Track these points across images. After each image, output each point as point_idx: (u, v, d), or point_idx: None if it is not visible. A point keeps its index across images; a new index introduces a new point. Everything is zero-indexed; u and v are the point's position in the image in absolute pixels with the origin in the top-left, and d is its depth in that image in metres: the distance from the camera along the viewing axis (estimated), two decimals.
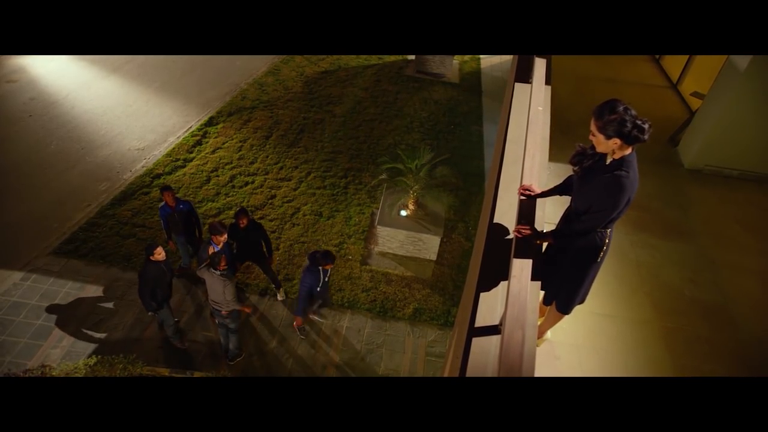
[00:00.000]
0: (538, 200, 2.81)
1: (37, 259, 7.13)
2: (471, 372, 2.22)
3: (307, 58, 13.55)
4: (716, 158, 5.39)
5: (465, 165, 10.07)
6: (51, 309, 6.50)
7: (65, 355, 6.02)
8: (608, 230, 2.48)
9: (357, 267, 7.66)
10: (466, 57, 14.64)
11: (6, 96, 10.45)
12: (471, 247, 7.97)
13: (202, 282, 6.08)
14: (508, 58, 13.97)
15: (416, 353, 6.62)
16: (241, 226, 6.11)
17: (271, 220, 8.24)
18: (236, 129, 10.36)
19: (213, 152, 9.63)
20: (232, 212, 8.29)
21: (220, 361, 6.23)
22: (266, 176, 9.20)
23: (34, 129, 9.61)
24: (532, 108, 3.43)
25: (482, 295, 2.57)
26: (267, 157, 9.68)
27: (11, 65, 11.43)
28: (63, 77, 11.28)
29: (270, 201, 8.66)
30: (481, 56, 14.86)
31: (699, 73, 6.70)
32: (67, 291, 6.76)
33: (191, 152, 9.54)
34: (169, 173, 8.95)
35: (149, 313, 5.93)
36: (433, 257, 7.88)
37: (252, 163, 9.48)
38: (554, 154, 4.05)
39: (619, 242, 4.29)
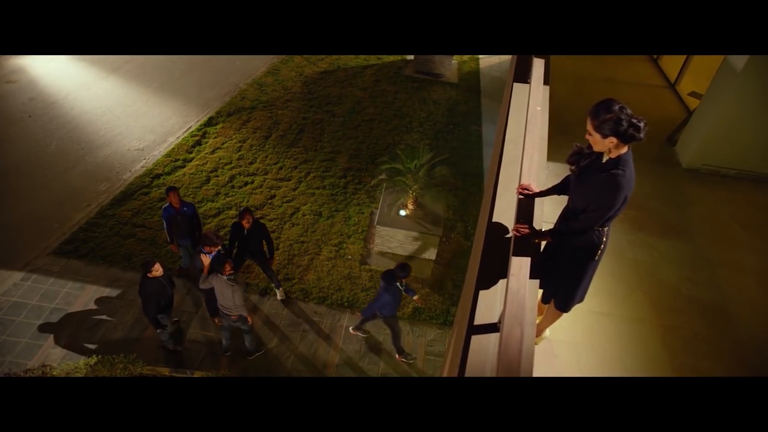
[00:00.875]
0: (537, 200, 2.83)
1: (37, 259, 7.15)
2: (470, 369, 2.24)
3: (307, 58, 13.57)
4: (714, 158, 5.41)
5: (464, 165, 10.10)
6: (51, 309, 6.51)
7: (66, 354, 6.03)
8: (606, 229, 2.50)
9: (356, 266, 7.68)
10: (465, 57, 14.67)
11: (6, 96, 10.46)
12: (470, 247, 7.99)
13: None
14: (506, 58, 13.99)
15: (415, 352, 6.64)
16: (246, 226, 6.10)
17: (270, 220, 8.26)
18: (236, 129, 10.37)
19: (212, 152, 9.65)
20: (232, 212, 8.31)
21: (220, 361, 6.25)
22: (266, 176, 9.22)
23: (33, 129, 9.62)
24: (530, 108, 3.45)
25: (481, 293, 2.59)
26: (266, 157, 9.69)
27: (11, 66, 11.44)
28: (62, 78, 11.29)
29: (269, 201, 8.67)
30: (480, 56, 14.89)
31: (697, 73, 6.73)
32: (67, 291, 6.77)
33: (191, 152, 9.56)
34: (169, 173, 8.96)
35: (157, 331, 5.93)
36: (432, 257, 7.91)
37: (251, 163, 9.50)
38: (553, 154, 4.08)
39: (617, 241, 4.32)
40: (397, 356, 6.48)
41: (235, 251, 6.40)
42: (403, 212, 7.75)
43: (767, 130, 5.11)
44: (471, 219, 8.73)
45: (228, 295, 5.48)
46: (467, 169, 10.00)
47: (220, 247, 5.76)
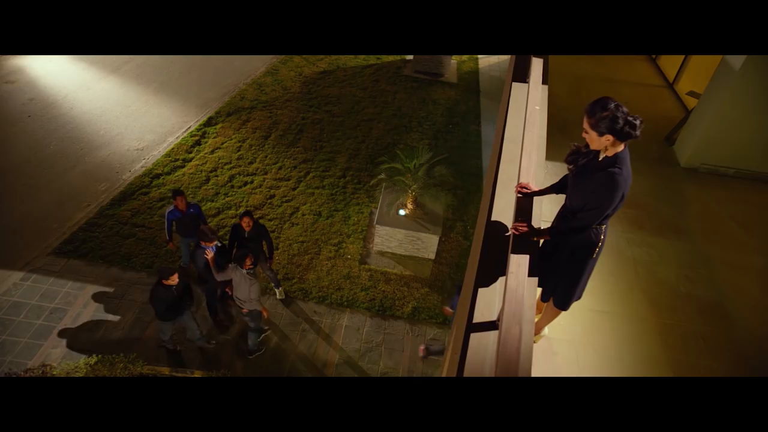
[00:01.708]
0: (535, 198, 2.85)
1: (37, 259, 7.15)
2: (469, 367, 2.26)
3: (306, 58, 13.59)
4: (712, 157, 5.44)
5: (463, 164, 10.12)
6: (51, 309, 6.52)
7: (66, 354, 6.04)
8: (603, 227, 2.52)
9: (356, 266, 7.70)
10: (464, 57, 14.69)
11: (5, 97, 10.46)
12: (469, 246, 8.01)
13: (204, 281, 6.10)
14: (505, 58, 14.02)
15: (415, 351, 6.65)
16: (246, 228, 6.10)
17: (270, 220, 8.27)
18: (235, 129, 10.38)
19: (212, 152, 9.66)
20: (231, 212, 8.32)
21: (219, 361, 6.26)
22: (265, 176, 9.23)
23: (33, 130, 9.62)
24: (529, 107, 3.47)
25: (480, 291, 2.61)
26: (266, 157, 9.70)
27: (10, 66, 11.44)
28: (62, 78, 11.29)
29: (269, 201, 8.69)
30: (479, 56, 14.91)
31: (695, 73, 6.75)
32: (67, 291, 6.78)
33: (190, 152, 9.57)
34: (169, 173, 8.97)
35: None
36: (432, 256, 7.92)
37: (251, 163, 9.51)
38: (552, 153, 4.10)
39: (615, 240, 4.34)
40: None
41: (234, 252, 6.40)
42: (402, 212, 7.77)
43: (765, 129, 5.13)
44: (470, 218, 8.75)
45: (245, 288, 5.57)
46: (466, 169, 10.02)
47: (216, 242, 5.76)
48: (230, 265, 5.60)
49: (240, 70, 12.62)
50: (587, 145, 2.42)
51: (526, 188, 2.80)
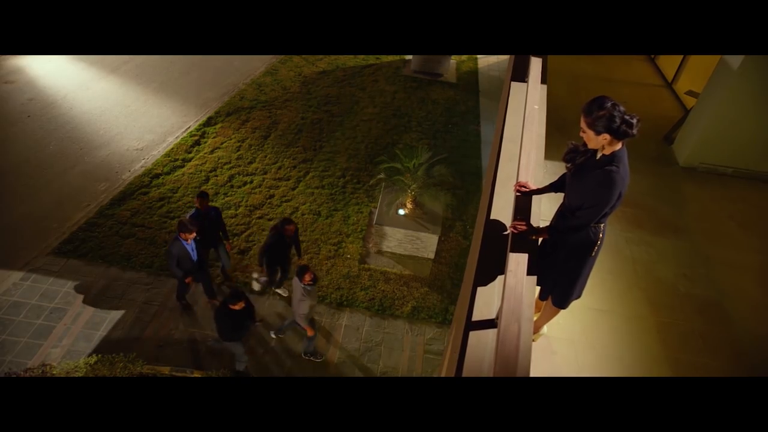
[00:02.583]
0: (534, 197, 2.86)
1: (37, 259, 7.16)
2: (468, 365, 2.26)
3: (305, 58, 13.59)
4: (710, 156, 5.44)
5: (463, 164, 10.13)
6: (51, 309, 6.52)
7: (66, 354, 6.04)
8: (602, 225, 2.53)
9: (355, 266, 7.70)
10: (464, 57, 14.70)
11: (4, 97, 10.46)
12: (469, 246, 8.01)
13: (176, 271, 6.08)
14: (505, 57, 14.03)
15: (414, 351, 6.66)
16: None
17: (269, 220, 8.28)
18: (234, 129, 10.39)
19: (211, 152, 9.66)
20: (231, 212, 8.33)
21: (219, 361, 6.26)
22: (264, 176, 9.24)
23: (32, 130, 9.63)
24: (528, 106, 3.48)
25: (479, 289, 2.61)
26: (265, 156, 9.71)
27: (9, 66, 11.44)
28: (61, 78, 11.29)
29: (268, 200, 8.69)
30: (479, 56, 14.91)
31: (694, 72, 6.76)
32: (66, 290, 6.78)
33: (190, 152, 9.58)
34: (168, 173, 8.98)
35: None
36: (431, 256, 7.93)
37: (250, 162, 9.52)
38: (550, 153, 4.11)
39: (614, 239, 4.34)
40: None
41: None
42: (401, 211, 7.78)
43: (763, 128, 5.14)
44: (469, 218, 8.76)
45: (295, 300, 5.69)
46: (466, 169, 10.03)
47: (195, 234, 5.80)
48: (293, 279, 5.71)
49: (239, 70, 12.62)
50: (585, 144, 2.42)
51: (525, 187, 2.81)
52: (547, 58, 4.67)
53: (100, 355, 5.87)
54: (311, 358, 6.37)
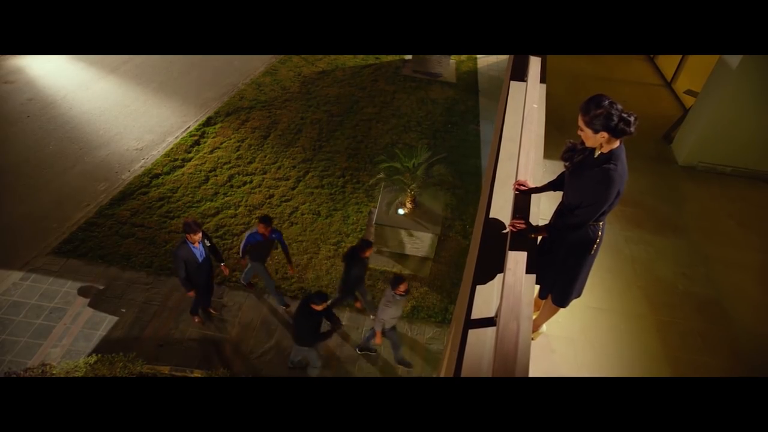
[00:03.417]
0: (533, 196, 2.86)
1: (37, 258, 7.16)
2: (467, 363, 2.27)
3: (305, 58, 13.59)
4: (710, 155, 5.45)
5: (462, 164, 10.13)
6: (51, 308, 6.52)
7: (65, 353, 6.04)
8: (601, 223, 2.53)
9: None
10: (463, 56, 14.69)
11: (4, 97, 10.46)
12: (468, 245, 8.02)
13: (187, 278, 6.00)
14: (504, 57, 14.03)
15: (414, 350, 6.66)
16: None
17: None
18: (234, 129, 10.39)
19: (211, 152, 9.67)
20: (230, 211, 8.33)
21: (218, 360, 6.27)
22: (264, 176, 9.24)
23: (32, 130, 9.63)
24: (527, 105, 3.48)
25: (478, 288, 2.62)
26: (265, 156, 9.71)
27: (9, 66, 11.44)
28: (61, 78, 11.29)
29: (268, 200, 8.70)
30: (478, 56, 14.91)
31: (693, 71, 6.77)
32: (66, 290, 6.78)
33: (189, 152, 9.58)
34: (168, 173, 8.98)
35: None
36: (431, 255, 7.93)
37: (250, 162, 9.52)
38: (550, 152, 4.11)
39: (613, 238, 4.35)
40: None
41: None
42: (401, 211, 7.78)
43: (762, 127, 5.15)
44: (469, 217, 8.76)
45: (381, 304, 5.69)
46: (465, 168, 10.03)
47: (201, 235, 5.61)
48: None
49: (239, 70, 12.62)
50: (583, 143, 2.43)
51: (524, 185, 2.81)
52: (546, 57, 4.67)
53: (99, 355, 5.87)
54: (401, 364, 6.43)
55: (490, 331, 2.40)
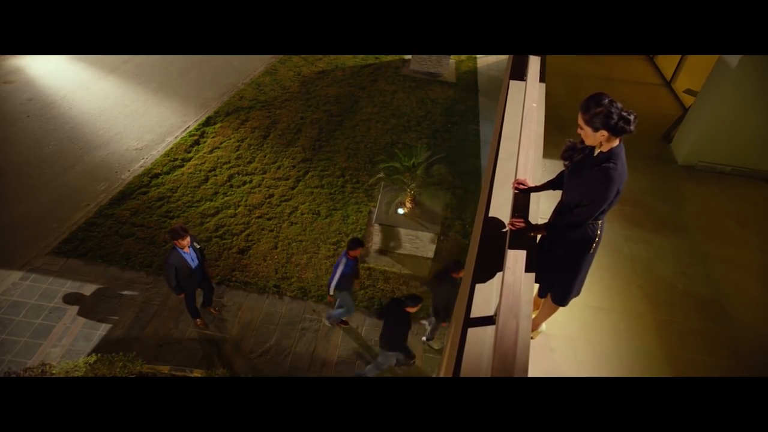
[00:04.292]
0: (533, 195, 2.86)
1: (36, 258, 7.16)
2: (467, 361, 2.27)
3: (304, 58, 13.59)
4: (709, 155, 5.46)
5: (462, 163, 10.13)
6: (50, 308, 6.52)
7: (65, 353, 6.04)
8: (600, 222, 2.54)
9: None
10: (463, 56, 14.70)
11: (4, 97, 10.46)
12: (468, 245, 8.02)
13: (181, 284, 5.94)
14: (504, 57, 14.03)
15: (414, 350, 6.65)
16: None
17: (269, 219, 8.28)
18: (234, 129, 10.39)
19: (211, 152, 9.66)
20: (230, 211, 8.33)
21: (218, 360, 6.27)
22: (264, 175, 9.24)
23: (32, 129, 9.63)
24: (526, 104, 3.48)
25: (478, 286, 2.62)
26: (265, 156, 9.71)
27: (9, 66, 11.44)
28: (61, 78, 11.29)
29: (268, 200, 8.70)
30: (478, 56, 14.92)
31: (692, 71, 6.77)
32: (66, 290, 6.78)
33: (189, 152, 9.57)
34: (167, 173, 8.98)
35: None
36: (431, 255, 7.93)
37: (250, 162, 9.52)
38: (549, 151, 4.11)
39: (613, 237, 4.35)
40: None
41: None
42: (401, 211, 7.78)
43: (762, 126, 5.15)
44: (469, 217, 8.76)
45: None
46: (465, 168, 10.04)
47: (189, 239, 5.55)
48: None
49: (239, 69, 12.62)
50: (582, 141, 2.43)
51: (523, 184, 2.81)
52: (546, 56, 4.67)
53: (99, 355, 5.86)
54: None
55: (490, 329, 2.40)
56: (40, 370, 5.74)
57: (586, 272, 2.78)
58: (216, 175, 9.09)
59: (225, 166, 9.32)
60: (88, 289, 6.85)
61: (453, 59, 14.20)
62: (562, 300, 2.90)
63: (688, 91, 6.14)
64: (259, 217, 8.27)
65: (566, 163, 2.56)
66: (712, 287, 4.01)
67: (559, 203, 2.74)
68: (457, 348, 2.52)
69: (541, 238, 2.82)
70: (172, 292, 5.99)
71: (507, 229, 2.61)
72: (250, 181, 9.04)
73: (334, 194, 8.99)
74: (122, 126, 10.07)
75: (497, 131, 4.37)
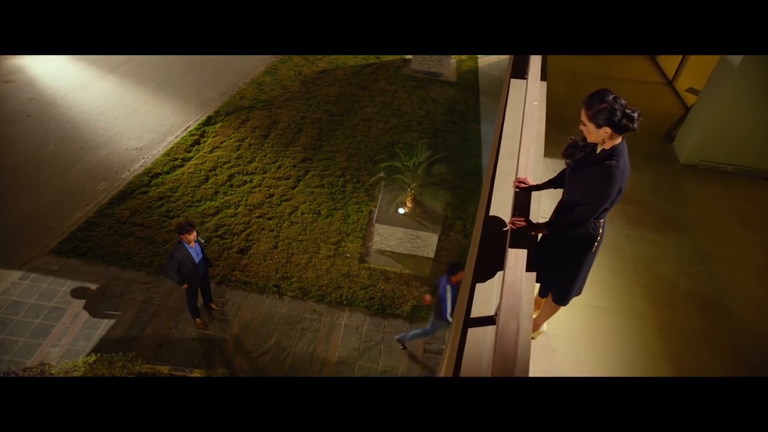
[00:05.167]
0: (534, 194, 2.84)
1: (36, 258, 7.15)
2: (467, 361, 2.25)
3: (305, 57, 13.58)
4: (711, 154, 5.43)
5: (463, 163, 10.11)
6: (50, 308, 6.51)
7: (65, 353, 6.03)
8: (601, 221, 2.51)
9: (355, 265, 7.69)
10: (464, 56, 14.67)
11: (4, 96, 10.45)
12: (469, 244, 8.00)
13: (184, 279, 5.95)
14: (505, 57, 14.00)
15: (414, 350, 6.64)
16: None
17: (269, 219, 8.27)
18: (234, 128, 10.38)
19: (211, 151, 9.65)
20: (230, 211, 8.32)
21: (218, 360, 6.25)
22: (264, 175, 9.22)
23: (32, 129, 9.62)
24: (527, 103, 3.46)
25: (478, 286, 2.60)
26: (265, 156, 9.70)
27: (9, 66, 11.44)
28: (61, 77, 11.29)
29: (268, 200, 8.68)
30: (479, 55, 14.89)
31: (694, 70, 6.75)
32: (66, 290, 6.77)
33: (189, 152, 9.56)
34: (168, 173, 8.97)
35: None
36: (431, 255, 7.91)
37: (250, 162, 9.50)
38: (550, 150, 4.09)
39: (614, 236, 4.33)
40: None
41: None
42: (401, 210, 7.76)
43: (764, 125, 5.13)
44: (469, 217, 8.74)
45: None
46: (466, 168, 10.01)
47: (195, 234, 5.63)
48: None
49: (239, 69, 12.61)
50: (584, 139, 2.41)
51: (524, 183, 2.79)
52: (547, 56, 4.65)
53: (99, 355, 5.85)
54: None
55: (490, 329, 2.38)
56: (39, 370, 5.73)
57: (588, 271, 2.76)
58: (216, 175, 9.08)
59: (225, 166, 9.31)
60: (88, 288, 6.83)
61: (454, 59, 14.18)
62: (562, 299, 2.88)
63: (690, 90, 6.11)
64: (259, 217, 8.26)
65: (568, 160, 2.53)
66: (714, 287, 3.98)
67: (560, 202, 2.71)
68: (458, 348, 2.50)
69: (541, 237, 2.79)
70: (175, 284, 6.05)
71: (508, 228, 2.59)
72: (251, 181, 9.03)
73: (334, 194, 8.98)
74: (122, 125, 10.06)
75: (498, 130, 4.35)
